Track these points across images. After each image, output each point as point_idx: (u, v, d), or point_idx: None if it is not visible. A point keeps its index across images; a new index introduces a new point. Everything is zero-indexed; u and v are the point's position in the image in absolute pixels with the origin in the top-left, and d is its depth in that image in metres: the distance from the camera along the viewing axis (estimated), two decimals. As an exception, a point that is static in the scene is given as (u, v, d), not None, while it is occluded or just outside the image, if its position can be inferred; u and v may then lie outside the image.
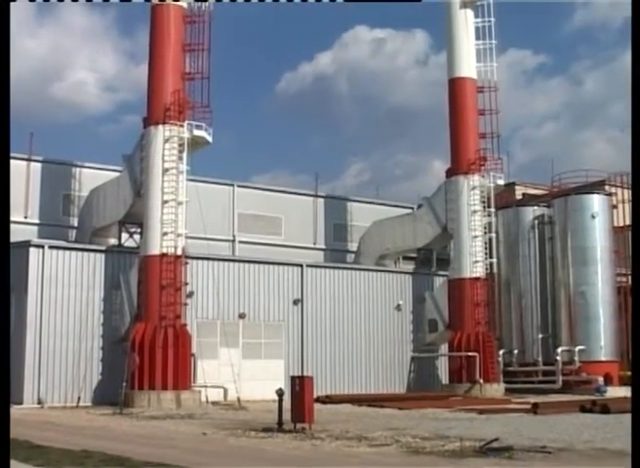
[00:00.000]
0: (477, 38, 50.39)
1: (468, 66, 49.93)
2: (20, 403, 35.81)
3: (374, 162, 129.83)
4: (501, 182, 50.42)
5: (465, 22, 50.24)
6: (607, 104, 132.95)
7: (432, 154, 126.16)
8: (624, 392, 39.76)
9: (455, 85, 50.11)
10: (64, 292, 38.84)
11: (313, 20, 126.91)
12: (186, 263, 38.82)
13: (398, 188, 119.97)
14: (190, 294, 40.08)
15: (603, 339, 51.84)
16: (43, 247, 38.96)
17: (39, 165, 48.98)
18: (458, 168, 49.39)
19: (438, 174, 54.57)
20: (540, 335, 53.63)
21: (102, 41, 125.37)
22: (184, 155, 38.68)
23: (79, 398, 37.58)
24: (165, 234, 37.85)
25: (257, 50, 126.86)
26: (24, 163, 48.01)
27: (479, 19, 50.65)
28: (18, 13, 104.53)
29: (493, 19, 50.24)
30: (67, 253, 39.74)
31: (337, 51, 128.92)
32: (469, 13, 50.51)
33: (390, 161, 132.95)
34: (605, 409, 32.31)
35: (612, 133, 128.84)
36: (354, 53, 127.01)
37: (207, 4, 40.01)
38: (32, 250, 38.56)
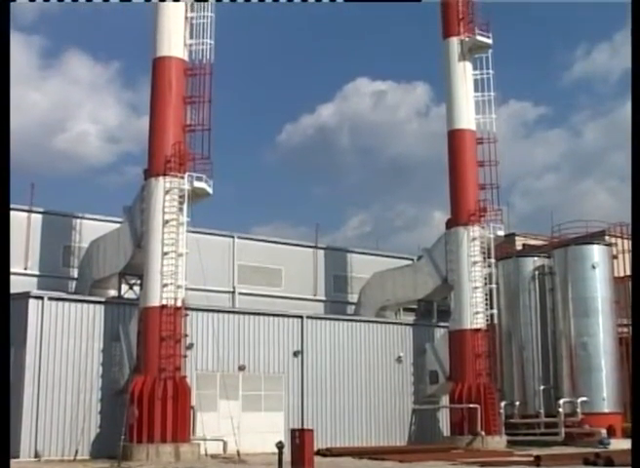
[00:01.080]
0: (476, 90, 50.83)
1: (467, 118, 50.26)
2: (17, 456, 35.38)
3: (375, 213, 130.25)
4: (501, 233, 50.43)
5: (464, 75, 50.70)
6: (606, 155, 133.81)
7: (433, 205, 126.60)
8: (628, 444, 39.32)
9: (454, 137, 50.39)
10: (63, 344, 38.62)
11: (315, 73, 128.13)
12: (186, 315, 38.66)
13: (399, 239, 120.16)
14: (190, 346, 39.88)
15: (605, 391, 51.52)
16: (42, 298, 38.83)
17: (40, 216, 49.04)
18: (457, 219, 49.46)
19: (438, 224, 54.79)
20: (542, 387, 53.28)
21: (105, 93, 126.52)
22: (185, 207, 38.75)
23: (77, 451, 37.15)
24: (165, 285, 37.78)
25: (259, 101, 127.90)
26: (25, 214, 48.09)
27: (478, 72, 51.16)
28: (22, 66, 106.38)
29: (491, 72, 50.75)
30: (67, 304, 39.59)
31: (338, 103, 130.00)
32: (468, 65, 51.03)
33: (391, 212, 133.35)
34: (609, 461, 32.01)
35: (612, 183, 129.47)
36: (356, 104, 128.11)
37: (208, 57, 40.43)
38: (32, 301, 38.40)
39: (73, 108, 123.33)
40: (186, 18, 40.96)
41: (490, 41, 51.08)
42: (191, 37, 40.87)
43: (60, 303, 39.42)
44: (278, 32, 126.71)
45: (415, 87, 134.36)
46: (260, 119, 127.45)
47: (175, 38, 40.34)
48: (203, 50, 40.59)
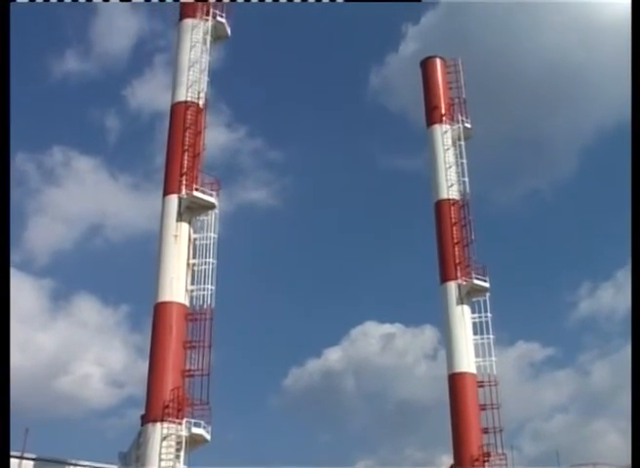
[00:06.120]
0: (475, 333, 51.22)
1: (467, 361, 50.30)
2: None
3: (381, 458, 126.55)
4: (508, 479, 49.19)
5: (463, 318, 51.24)
6: (616, 394, 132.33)
7: (441, 448, 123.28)
8: None
9: (454, 380, 50.29)
10: None
11: (322, 317, 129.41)
12: None
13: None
14: None
15: None
16: None
17: (31, 463, 47.75)
18: (460, 464, 48.36)
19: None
20: None
21: (112, 336, 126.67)
22: (182, 454, 37.97)
23: None
24: None
25: (264, 345, 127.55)
26: (17, 461, 46.87)
27: (476, 315, 51.71)
28: (33, 309, 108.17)
29: (489, 315, 51.30)
30: None
31: (345, 346, 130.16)
32: (466, 309, 51.66)
33: (398, 457, 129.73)
34: None
35: (622, 423, 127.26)
36: (363, 348, 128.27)
37: (208, 302, 41.01)
38: None
39: (79, 351, 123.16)
40: (189, 264, 41.88)
41: (487, 284, 51.93)
42: (192, 283, 41.60)
43: None
44: (281, 242, 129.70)
45: (423, 330, 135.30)
46: (266, 363, 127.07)
47: (176, 284, 41.06)
48: (204, 295, 41.25)
